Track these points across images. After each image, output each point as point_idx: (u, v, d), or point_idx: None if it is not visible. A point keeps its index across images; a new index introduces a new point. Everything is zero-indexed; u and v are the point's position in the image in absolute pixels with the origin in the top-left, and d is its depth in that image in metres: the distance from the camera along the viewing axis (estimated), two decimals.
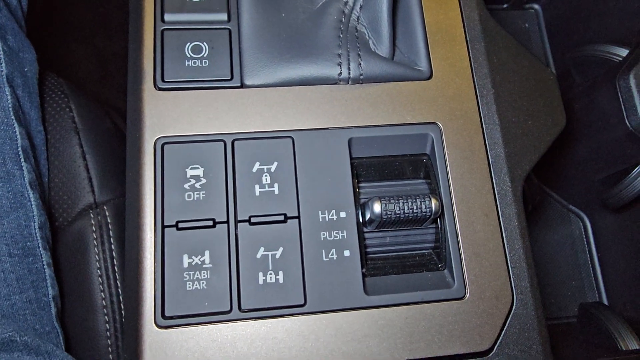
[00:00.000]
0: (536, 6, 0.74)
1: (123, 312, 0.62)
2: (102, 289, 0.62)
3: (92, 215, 0.65)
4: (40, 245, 0.52)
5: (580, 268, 0.68)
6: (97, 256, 0.63)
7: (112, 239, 0.65)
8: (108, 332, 0.61)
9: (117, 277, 0.62)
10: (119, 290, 0.62)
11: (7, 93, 0.51)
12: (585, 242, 0.68)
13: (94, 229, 0.65)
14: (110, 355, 0.60)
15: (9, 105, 0.51)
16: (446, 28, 0.47)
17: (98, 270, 0.63)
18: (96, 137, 0.70)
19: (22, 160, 0.52)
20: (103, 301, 0.62)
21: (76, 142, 0.68)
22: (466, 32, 0.47)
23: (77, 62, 1.13)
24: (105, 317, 0.62)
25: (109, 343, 0.60)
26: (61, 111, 0.69)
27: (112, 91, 1.11)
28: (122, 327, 0.61)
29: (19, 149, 0.51)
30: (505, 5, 0.75)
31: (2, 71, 0.52)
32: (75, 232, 0.64)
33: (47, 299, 0.51)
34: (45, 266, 0.52)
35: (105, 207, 0.66)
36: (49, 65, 0.68)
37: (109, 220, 0.66)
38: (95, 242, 0.64)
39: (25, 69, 0.57)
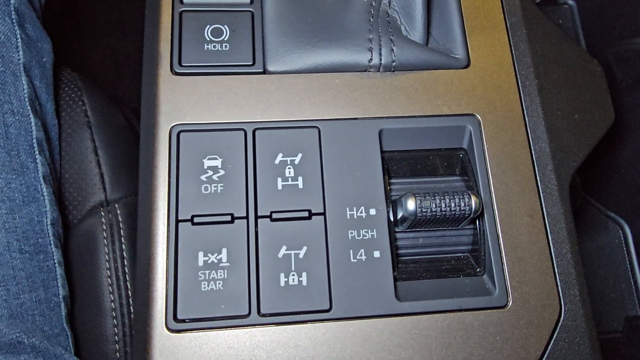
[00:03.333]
0: (570, 2, 0.70)
1: (132, 316, 0.59)
2: (111, 290, 0.59)
3: (102, 214, 0.62)
4: (52, 242, 0.49)
5: (620, 279, 0.63)
6: (107, 256, 0.60)
7: (122, 239, 0.62)
8: (116, 337, 0.58)
9: (127, 278, 0.59)
10: (129, 292, 0.59)
11: (23, 82, 0.49)
12: (625, 252, 0.63)
13: (105, 228, 0.62)
14: None
15: (25, 95, 0.49)
16: (484, 14, 0.44)
17: (107, 271, 0.60)
18: (109, 132, 0.67)
19: (37, 152, 0.49)
20: (112, 304, 0.59)
21: (88, 136, 0.65)
22: (506, 18, 0.44)
23: (90, 61, 1.11)
24: (114, 320, 0.59)
25: (117, 348, 0.57)
26: (74, 104, 0.66)
27: (125, 92, 1.09)
28: (131, 331, 0.58)
29: (34, 140, 0.49)
30: (537, 1, 0.72)
31: (19, 59, 0.50)
32: (85, 230, 0.61)
33: (57, 299, 0.48)
34: (56, 265, 0.49)
35: (116, 205, 0.63)
36: (62, 62, 0.66)
37: (120, 219, 0.63)
38: (105, 241, 0.61)
39: (44, 59, 0.55)
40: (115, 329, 0.58)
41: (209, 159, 0.37)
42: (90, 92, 0.68)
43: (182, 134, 0.38)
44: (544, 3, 0.71)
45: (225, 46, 0.40)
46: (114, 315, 0.58)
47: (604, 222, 0.65)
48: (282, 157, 0.38)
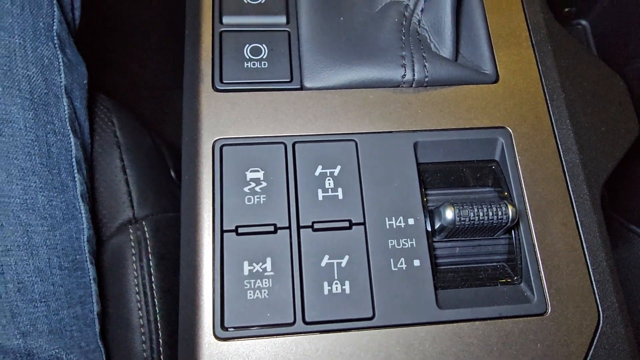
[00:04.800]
0: (584, 22, 0.72)
1: (160, 333, 0.59)
2: (139, 306, 0.60)
3: (130, 231, 0.63)
4: (87, 259, 0.50)
5: None
6: (135, 272, 0.61)
7: (150, 255, 0.63)
8: (145, 353, 0.59)
9: (155, 295, 0.60)
10: (157, 308, 0.60)
11: (65, 104, 0.51)
12: None
13: (133, 244, 0.63)
14: None
15: (66, 116, 0.51)
16: (510, 31, 0.46)
17: (136, 287, 0.61)
18: (137, 152, 0.69)
19: (76, 171, 0.51)
20: (140, 320, 0.59)
21: (117, 155, 0.66)
22: (531, 35, 0.46)
23: (109, 86, 1.14)
24: (142, 336, 0.59)
25: None
26: (103, 125, 0.68)
27: (143, 118, 1.11)
28: (158, 347, 0.58)
29: (73, 160, 0.51)
30: None
31: (61, 82, 0.52)
32: (114, 247, 0.62)
33: (92, 315, 0.49)
34: (91, 281, 0.50)
35: (144, 223, 0.64)
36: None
37: (147, 236, 0.64)
38: (133, 257, 0.62)
39: (84, 82, 0.57)
40: (144, 345, 0.59)
41: (251, 171, 0.39)
42: (119, 113, 0.69)
43: (224, 148, 0.39)
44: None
45: (264, 64, 0.42)
46: (143, 331, 0.59)
47: (625, 236, 0.65)
48: (321, 169, 0.39)
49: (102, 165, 0.66)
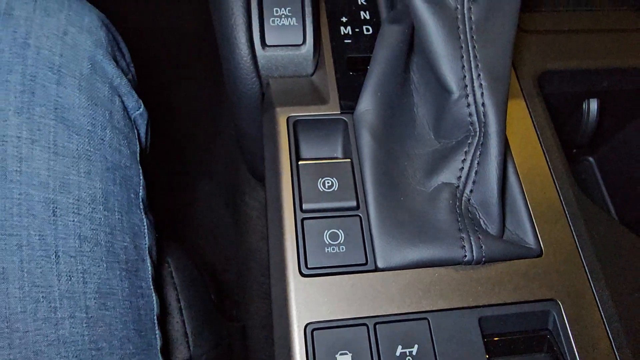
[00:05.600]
0: (590, 159, 0.81)
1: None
2: None
3: None
4: None
5: None
6: None
7: None
8: None
9: None
10: None
11: (148, 264, 0.56)
12: None
13: None
14: None
15: (149, 276, 0.55)
16: (547, 206, 0.53)
17: None
18: (191, 290, 0.73)
19: (157, 327, 0.55)
20: None
21: (174, 297, 0.71)
22: (565, 210, 0.53)
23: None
24: None
25: None
26: (160, 266, 0.73)
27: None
28: None
29: (155, 317, 0.55)
30: None
31: (146, 244, 0.57)
32: None
33: None
34: None
35: None
36: None
37: None
38: None
39: (156, 235, 0.62)
40: None
41: (340, 354, 0.43)
42: (173, 252, 0.74)
43: (315, 332, 0.44)
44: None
45: (342, 248, 0.48)
46: None
47: None
48: (401, 349, 0.44)
49: (161, 308, 0.70)
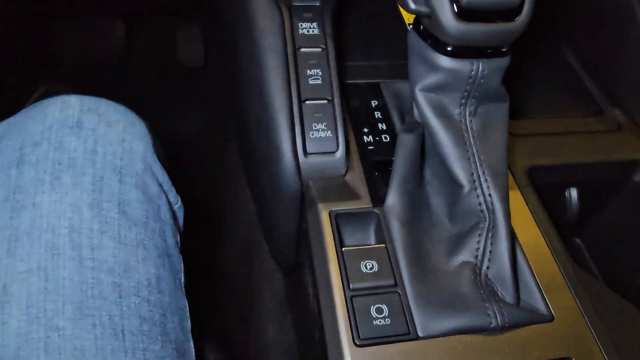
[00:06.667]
0: (577, 240, 0.93)
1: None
2: None
3: None
4: None
5: None
6: None
7: None
8: None
9: None
10: None
11: (191, 345, 0.62)
12: None
13: None
14: None
15: (193, 357, 0.62)
16: (551, 278, 0.63)
17: None
18: None
19: None
20: None
21: None
22: (567, 281, 0.63)
23: None
24: None
25: None
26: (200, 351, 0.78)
27: None
28: None
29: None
30: None
31: (189, 326, 0.63)
32: None
33: None
34: None
35: None
36: None
37: None
38: None
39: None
40: None
41: None
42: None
43: None
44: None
45: (387, 320, 0.56)
46: None
47: None
48: None
49: None
